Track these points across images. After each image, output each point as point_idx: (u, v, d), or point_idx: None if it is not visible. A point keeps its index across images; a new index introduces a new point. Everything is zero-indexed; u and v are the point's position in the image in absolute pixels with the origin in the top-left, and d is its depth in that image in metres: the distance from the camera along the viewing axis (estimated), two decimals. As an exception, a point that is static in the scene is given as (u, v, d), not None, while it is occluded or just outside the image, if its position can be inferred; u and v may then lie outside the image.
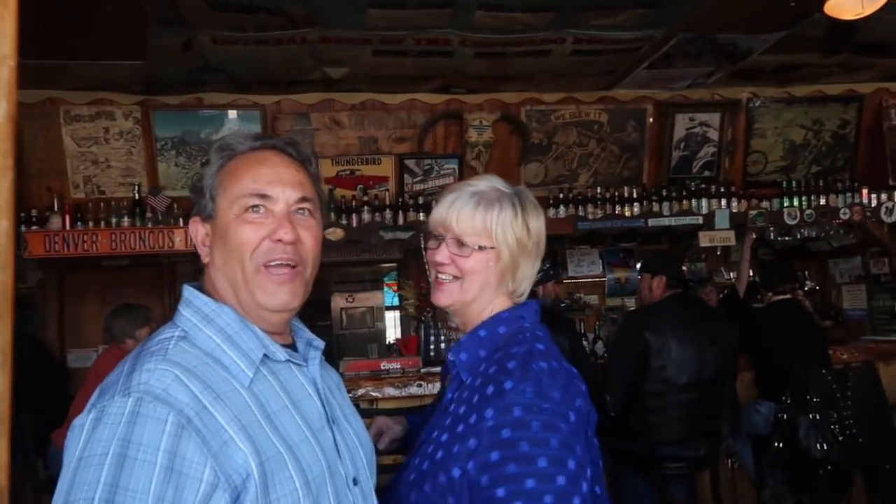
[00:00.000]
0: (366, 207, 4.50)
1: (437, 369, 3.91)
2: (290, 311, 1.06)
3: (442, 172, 4.75)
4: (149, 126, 4.31)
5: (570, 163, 4.92)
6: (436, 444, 1.17)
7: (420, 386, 3.68)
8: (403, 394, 3.65)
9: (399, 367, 4.01)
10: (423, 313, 5.80)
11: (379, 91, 4.49)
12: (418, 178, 4.74)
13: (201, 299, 1.03)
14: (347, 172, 4.64)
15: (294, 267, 1.03)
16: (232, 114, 4.34)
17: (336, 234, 4.42)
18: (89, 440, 0.84)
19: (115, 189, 4.39)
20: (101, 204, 4.33)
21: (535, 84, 4.54)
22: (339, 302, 8.97)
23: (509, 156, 4.80)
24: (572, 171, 4.93)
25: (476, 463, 1.08)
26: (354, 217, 4.47)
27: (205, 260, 1.06)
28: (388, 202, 4.57)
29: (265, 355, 1.01)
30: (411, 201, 4.60)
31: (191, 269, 5.67)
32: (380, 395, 3.65)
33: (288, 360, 1.05)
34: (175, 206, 4.35)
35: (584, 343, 4.89)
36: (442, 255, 1.28)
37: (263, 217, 1.02)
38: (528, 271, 1.35)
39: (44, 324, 5.16)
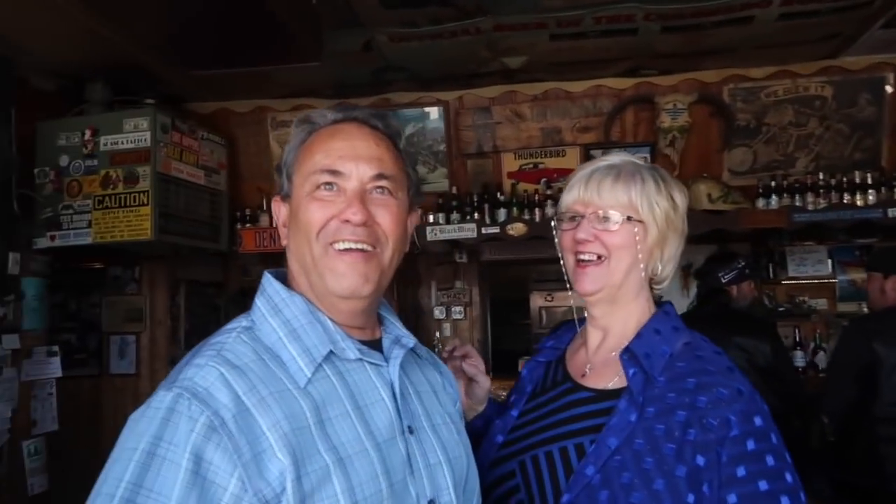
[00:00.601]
0: (549, 201, 4.31)
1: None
2: (363, 299, 0.95)
3: (632, 162, 4.41)
4: (342, 128, 4.54)
5: (785, 146, 4.29)
6: (630, 452, 1.04)
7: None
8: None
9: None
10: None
11: (561, 79, 4.28)
12: (605, 170, 4.45)
13: (274, 287, 0.96)
14: (530, 166, 4.50)
15: (366, 251, 0.93)
16: (412, 111, 4.42)
17: (518, 229, 4.30)
18: (130, 432, 0.81)
19: (314, 189, 4.69)
20: (302, 203, 4.66)
21: (738, 58, 4.02)
22: (537, 301, 8.87)
23: (709, 141, 4.31)
24: (787, 156, 4.29)
25: (717, 476, 0.99)
26: (537, 212, 4.31)
27: (283, 242, 1.01)
28: (571, 195, 4.35)
29: (332, 352, 0.92)
30: (597, 194, 4.33)
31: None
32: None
33: (361, 359, 0.94)
34: (365, 203, 4.54)
35: (800, 353, 4.26)
36: (584, 231, 1.18)
37: (335, 195, 0.94)
38: (675, 251, 1.26)
39: (263, 313, 5.73)
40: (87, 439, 4.71)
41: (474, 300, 5.87)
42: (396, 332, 1.05)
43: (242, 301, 5.37)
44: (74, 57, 3.77)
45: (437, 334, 5.48)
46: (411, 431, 0.95)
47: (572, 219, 1.23)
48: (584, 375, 1.23)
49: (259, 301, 0.96)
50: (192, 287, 5.20)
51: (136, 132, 3.73)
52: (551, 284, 8.51)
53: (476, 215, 4.31)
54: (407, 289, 5.91)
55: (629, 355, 1.16)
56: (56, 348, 3.98)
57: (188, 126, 3.99)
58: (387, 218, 0.96)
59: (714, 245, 4.35)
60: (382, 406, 0.93)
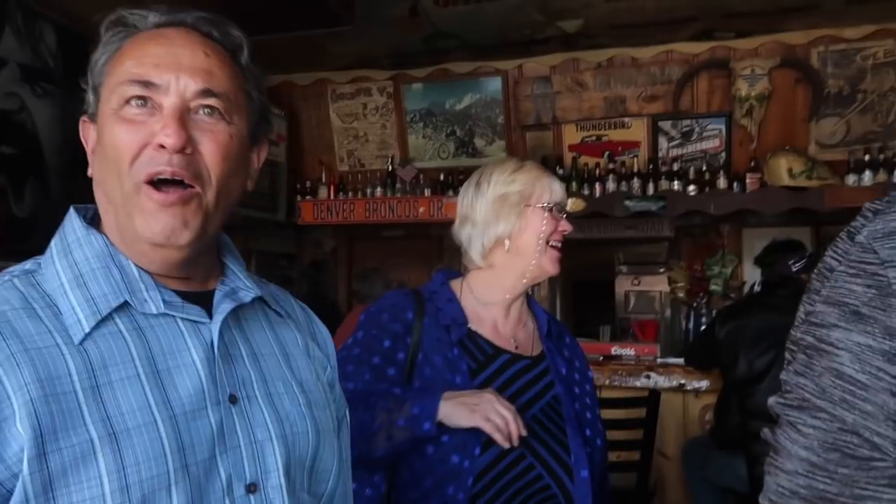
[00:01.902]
0: (611, 176, 4.07)
1: (677, 360, 3.37)
2: (181, 248, 0.77)
3: (704, 134, 4.08)
4: (399, 100, 4.48)
5: (885, 115, 3.81)
6: (572, 394, 1.38)
7: (648, 377, 3.19)
8: (627, 383, 3.21)
9: (633, 353, 3.55)
10: (696, 299, 5.14)
11: (626, 44, 4.00)
12: (675, 142, 4.14)
13: (73, 225, 0.79)
14: (593, 138, 4.26)
15: (186, 186, 0.74)
16: (470, 82, 4.28)
17: (577, 204, 4.08)
18: None
19: (373, 161, 4.68)
20: (360, 175, 4.66)
21: (827, 16, 3.59)
22: (623, 284, 8.52)
23: (794, 110, 3.91)
24: (886, 127, 3.81)
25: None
26: (598, 186, 4.08)
27: (90, 172, 0.81)
28: (636, 170, 4.07)
29: (128, 304, 0.75)
30: (664, 168, 4.04)
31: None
32: (601, 380, 3.26)
33: (169, 314, 0.77)
34: (421, 177, 4.48)
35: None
36: (568, 224, 1.39)
37: (147, 114, 0.74)
38: None
39: (335, 286, 5.82)
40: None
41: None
42: (236, 283, 0.85)
43: (314, 273, 5.48)
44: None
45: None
46: (233, 401, 0.78)
47: (560, 210, 1.38)
48: (516, 347, 1.38)
49: (53, 242, 0.79)
50: (265, 258, 5.35)
51: (194, 103, 3.83)
52: (638, 268, 8.13)
53: (533, 190, 4.14)
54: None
55: (546, 328, 1.43)
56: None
57: (246, 98, 4.06)
58: (212, 147, 0.76)
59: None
60: (191, 370, 0.76)
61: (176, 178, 0.74)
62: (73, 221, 0.79)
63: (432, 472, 1.22)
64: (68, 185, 3.78)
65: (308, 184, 4.67)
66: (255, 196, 4.17)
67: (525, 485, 1.24)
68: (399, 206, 4.43)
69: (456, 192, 4.30)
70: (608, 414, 2.97)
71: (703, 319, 4.69)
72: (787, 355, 0.74)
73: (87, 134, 0.81)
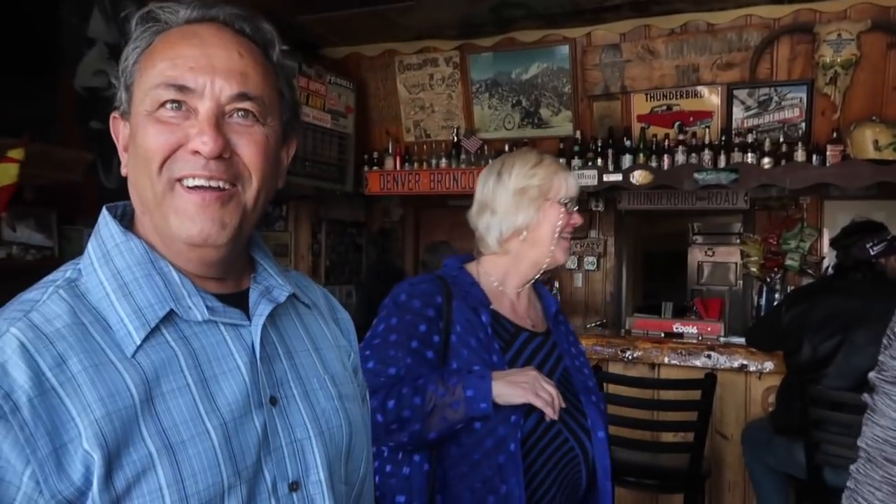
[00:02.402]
0: (680, 148, 3.95)
1: (740, 340, 3.29)
2: (219, 248, 0.77)
3: (783, 104, 3.88)
4: (465, 70, 4.47)
5: None
6: (575, 364, 1.53)
7: (709, 357, 3.14)
8: (686, 363, 3.17)
9: (696, 331, 3.49)
10: (769, 274, 4.97)
11: (703, 9, 3.83)
12: (752, 112, 3.96)
13: (110, 228, 0.78)
14: (663, 108, 4.13)
15: (222, 189, 0.74)
16: (536, 51, 4.21)
17: (644, 177, 4.00)
18: None
19: (438, 132, 4.71)
20: (425, 146, 4.70)
21: (927, -26, 3.32)
22: (696, 255, 8.30)
23: (883, 78, 3.65)
24: None
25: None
26: (666, 158, 3.97)
27: (123, 171, 0.80)
28: (708, 141, 3.93)
29: (173, 312, 0.75)
30: (738, 140, 3.88)
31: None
32: (660, 358, 3.24)
33: (211, 321, 0.77)
34: (485, 147, 4.47)
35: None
36: (578, 219, 1.47)
37: (181, 117, 0.74)
38: None
39: (402, 253, 5.95)
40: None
41: (609, 251, 5.61)
42: (268, 281, 0.85)
43: (382, 241, 5.62)
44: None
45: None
46: (273, 402, 0.80)
47: (574, 204, 1.45)
48: (532, 325, 1.49)
49: (91, 245, 0.78)
50: (334, 226, 5.52)
51: (266, 78, 3.96)
52: (713, 238, 7.88)
53: (599, 161, 4.07)
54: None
55: (554, 308, 1.57)
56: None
57: (315, 71, 4.15)
58: (251, 149, 0.76)
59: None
60: (236, 375, 0.77)
61: (213, 183, 0.74)
62: (109, 226, 0.78)
63: (480, 445, 1.30)
64: (151, 158, 4.02)
65: (375, 154, 4.75)
66: (324, 167, 4.29)
67: (556, 447, 1.37)
68: (463, 178, 4.46)
69: (521, 164, 4.30)
70: (665, 395, 2.98)
71: (777, 296, 4.53)
72: (884, 340, 0.94)
73: (118, 130, 0.80)
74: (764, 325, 3.07)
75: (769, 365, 3.05)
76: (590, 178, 4.03)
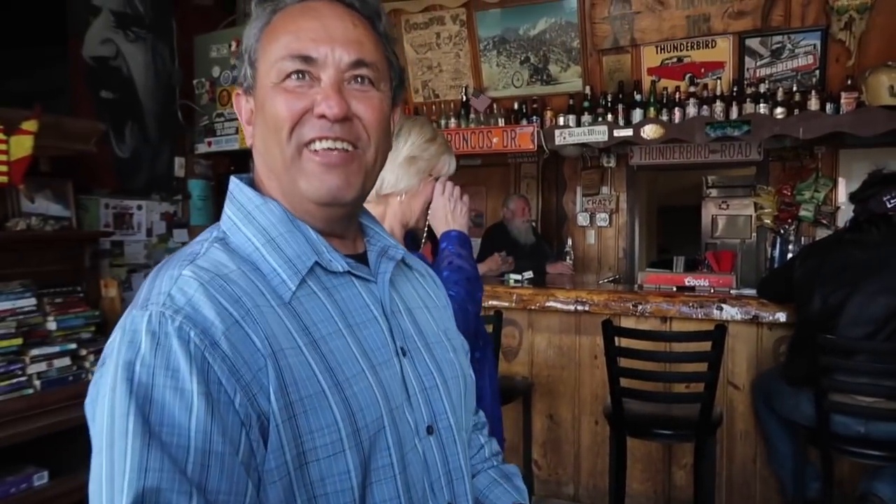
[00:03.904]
0: (691, 100, 3.90)
1: (752, 292, 3.31)
2: (345, 206, 0.83)
3: (797, 51, 3.81)
4: (472, 28, 4.42)
5: None
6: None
7: (720, 309, 3.17)
8: (698, 314, 3.20)
9: (707, 284, 3.51)
10: (783, 226, 4.95)
11: (714, -44, 3.75)
12: (764, 61, 3.89)
13: (246, 194, 0.83)
14: (674, 60, 4.07)
15: (346, 150, 0.80)
16: (544, 5, 4.14)
17: (655, 131, 3.96)
18: (118, 363, 0.67)
19: (447, 92, 4.68)
20: (434, 106, 4.68)
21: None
22: (710, 208, 8.26)
23: (900, 22, 3.57)
24: None
25: None
26: (677, 112, 3.93)
27: (248, 142, 0.86)
28: (719, 92, 3.88)
29: (317, 264, 0.81)
30: (750, 90, 3.82)
31: (534, 169, 5.84)
32: (672, 311, 3.26)
33: (349, 272, 0.83)
34: (494, 106, 4.45)
35: None
36: None
37: (306, 86, 0.79)
38: None
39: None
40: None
41: (622, 207, 5.60)
42: (383, 242, 0.93)
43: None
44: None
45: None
46: (404, 353, 0.86)
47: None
48: None
49: (229, 210, 0.83)
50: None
51: (272, 42, 3.94)
52: (728, 191, 7.83)
53: (609, 117, 4.04)
54: (551, 194, 5.78)
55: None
56: (219, 242, 4.52)
57: (321, 33, 4.12)
58: (369, 112, 0.82)
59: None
60: (375, 325, 0.83)
61: (338, 145, 0.80)
62: (244, 191, 0.83)
63: None
64: (163, 127, 4.04)
65: (385, 116, 4.74)
66: (334, 130, 4.30)
67: None
68: (473, 137, 4.44)
69: (530, 122, 4.27)
70: (676, 347, 3.01)
71: (791, 247, 4.52)
72: None
73: (241, 105, 0.86)
74: (776, 278, 3.08)
75: (781, 316, 3.07)
76: (600, 133, 4.00)
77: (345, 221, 0.87)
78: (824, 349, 2.47)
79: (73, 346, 2.76)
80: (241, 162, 5.40)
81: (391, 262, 0.89)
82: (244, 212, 0.82)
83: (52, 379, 2.64)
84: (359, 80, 0.81)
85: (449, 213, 1.58)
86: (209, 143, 4.21)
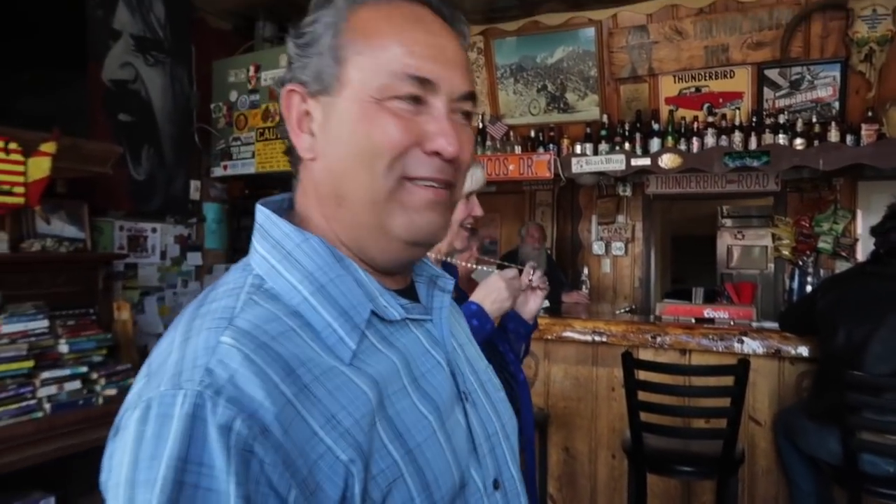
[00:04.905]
0: (710, 130, 3.88)
1: (774, 325, 3.24)
2: (431, 246, 0.73)
3: (816, 83, 3.78)
4: (490, 55, 4.43)
5: None
6: None
7: (741, 342, 3.10)
8: (718, 347, 3.13)
9: (727, 316, 3.44)
10: (802, 257, 4.88)
11: (732, -13, 3.75)
12: (783, 92, 3.87)
13: (281, 228, 0.69)
14: (692, 90, 4.05)
15: (447, 188, 0.70)
16: (562, 34, 4.15)
17: (673, 160, 3.94)
18: (135, 454, 0.56)
19: (463, 119, 4.68)
20: (451, 133, 4.67)
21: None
22: (726, 238, 8.20)
23: (922, 53, 3.55)
24: None
25: None
26: (695, 141, 3.90)
27: (306, 155, 0.70)
28: (738, 122, 3.86)
29: (373, 313, 0.68)
30: (769, 121, 3.79)
31: (549, 196, 5.82)
32: (691, 344, 3.20)
33: (405, 319, 0.72)
34: (511, 133, 4.44)
35: None
36: (479, 210, 1.54)
37: (414, 112, 0.67)
38: None
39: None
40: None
41: (637, 236, 5.54)
42: (428, 270, 0.81)
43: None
44: (242, -3, 4.08)
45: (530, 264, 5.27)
46: (466, 398, 0.74)
47: (474, 195, 1.51)
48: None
49: (261, 247, 0.69)
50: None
51: (290, 67, 3.96)
52: (743, 221, 7.78)
53: (627, 146, 4.02)
54: (566, 222, 5.75)
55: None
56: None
57: (339, 59, 4.14)
58: (467, 149, 0.71)
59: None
60: (439, 372, 0.72)
61: (445, 184, 0.70)
62: (279, 225, 0.69)
63: None
64: (179, 150, 4.05)
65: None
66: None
67: None
68: (489, 165, 4.43)
69: (546, 150, 4.25)
70: (696, 381, 2.95)
71: (810, 279, 4.45)
72: None
73: (294, 106, 0.70)
74: (797, 310, 3.02)
75: (804, 350, 3.00)
76: (618, 162, 3.98)
77: (414, 262, 0.77)
78: (852, 386, 2.40)
79: (85, 369, 2.73)
80: (255, 185, 5.41)
81: (445, 295, 0.78)
82: (282, 252, 0.68)
83: (62, 402, 2.60)
84: (463, 114, 0.70)
85: (498, 300, 1.51)
86: (225, 167, 4.21)
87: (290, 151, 0.72)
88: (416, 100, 0.66)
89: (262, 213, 0.70)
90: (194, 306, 0.66)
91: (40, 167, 2.66)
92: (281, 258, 0.67)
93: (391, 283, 0.73)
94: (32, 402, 2.52)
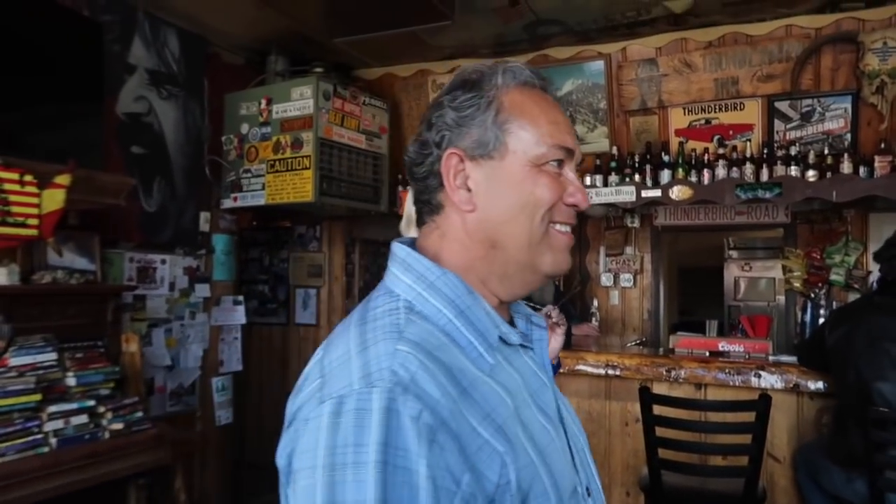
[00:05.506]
0: (720, 162, 3.87)
1: (791, 359, 3.19)
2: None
3: (828, 115, 3.78)
4: (499, 88, 4.45)
5: None
6: None
7: (759, 376, 3.05)
8: (735, 382, 3.08)
9: (742, 349, 3.39)
10: (814, 290, 4.83)
11: (740, 21, 3.77)
12: (794, 124, 3.87)
13: (423, 263, 0.83)
14: (702, 122, 4.06)
15: (573, 232, 0.89)
16: (571, 67, 4.17)
17: (684, 192, 3.92)
18: (335, 443, 0.65)
19: (472, 151, 4.69)
20: (459, 165, 4.68)
21: (975, -21, 3.22)
22: (733, 270, 8.15)
23: (933, 86, 3.54)
24: None
25: None
26: (706, 173, 3.89)
27: (465, 207, 0.84)
28: (749, 154, 3.85)
29: (499, 337, 0.83)
30: (780, 153, 3.79)
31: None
32: (707, 378, 3.15)
33: (520, 344, 0.87)
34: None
35: None
36: None
37: (559, 174, 0.85)
38: None
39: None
40: (275, 381, 5.29)
41: (646, 267, 5.51)
42: (523, 309, 0.96)
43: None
44: (255, 32, 4.13)
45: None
46: (561, 416, 0.89)
47: None
48: None
49: (406, 277, 0.83)
50: (368, 246, 5.52)
51: (301, 100, 3.99)
52: (749, 253, 7.74)
53: (637, 177, 4.01)
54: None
55: None
56: (241, 298, 4.48)
57: (350, 92, 4.17)
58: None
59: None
60: (547, 392, 0.87)
61: (573, 228, 0.89)
62: (421, 260, 0.83)
63: None
64: (190, 182, 4.07)
65: (409, 173, 4.75)
66: (359, 187, 4.30)
67: None
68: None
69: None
70: (714, 417, 2.89)
71: (822, 311, 4.40)
72: None
73: (454, 167, 0.84)
74: (811, 346, 2.97)
75: (822, 385, 2.95)
76: (628, 194, 3.97)
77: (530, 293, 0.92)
78: (875, 423, 2.34)
79: (92, 402, 2.69)
80: (264, 217, 5.42)
81: (542, 330, 0.93)
82: (427, 281, 0.82)
83: (68, 437, 2.56)
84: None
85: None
86: (235, 199, 4.22)
87: (426, 202, 0.87)
88: (560, 163, 0.85)
89: (404, 250, 0.85)
90: (356, 323, 0.79)
91: (55, 199, 2.66)
92: (425, 287, 0.81)
93: (505, 317, 0.89)
94: (39, 436, 2.48)
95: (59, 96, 3.09)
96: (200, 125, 4.16)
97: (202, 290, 4.16)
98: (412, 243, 0.88)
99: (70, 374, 2.71)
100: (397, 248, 0.85)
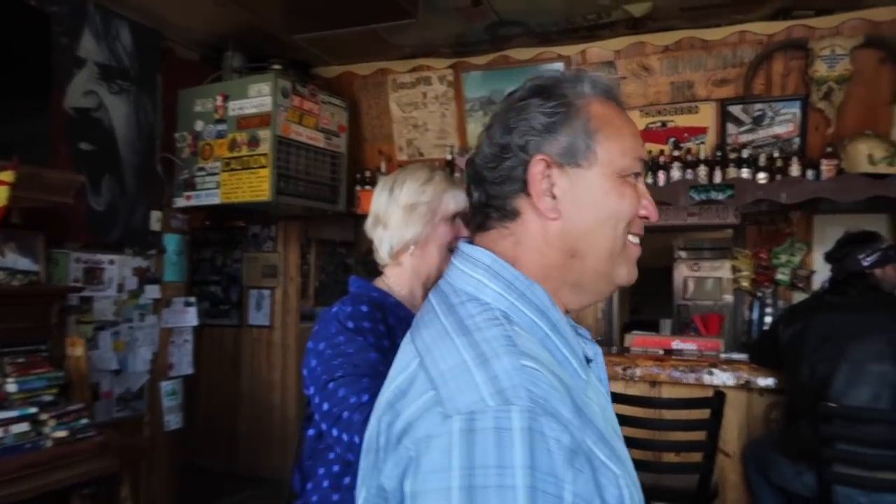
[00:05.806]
0: (675, 164, 3.94)
1: (742, 356, 3.26)
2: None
3: (777, 119, 3.88)
4: (459, 88, 4.45)
5: (979, 97, 3.54)
6: None
7: (711, 374, 3.11)
8: (688, 380, 3.13)
9: (695, 348, 3.46)
10: (761, 289, 4.96)
11: (697, 26, 3.84)
12: (745, 128, 3.96)
13: (510, 271, 0.80)
14: (658, 124, 4.12)
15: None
16: (531, 69, 4.19)
17: (640, 194, 3.97)
18: (472, 464, 0.61)
19: (432, 150, 4.67)
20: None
21: (917, -9, 3.35)
22: (682, 270, 8.32)
23: (877, 93, 3.67)
24: (981, 109, 3.54)
25: None
26: (661, 175, 3.95)
27: (550, 215, 0.82)
28: (702, 157, 3.93)
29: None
30: (732, 155, 3.87)
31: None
32: (662, 376, 3.19)
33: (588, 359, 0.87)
34: (480, 165, 4.44)
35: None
36: (465, 230, 1.47)
37: (635, 184, 0.86)
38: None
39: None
40: (227, 383, 5.18)
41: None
42: (572, 322, 0.92)
43: (372, 261, 5.56)
44: (212, 27, 4.03)
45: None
46: (616, 431, 0.88)
47: (460, 217, 1.49)
48: None
49: (493, 284, 0.79)
50: (324, 246, 5.46)
51: (259, 97, 3.91)
52: (698, 254, 7.92)
53: (594, 178, 4.04)
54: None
55: None
56: (193, 299, 4.36)
57: (308, 90, 4.11)
58: None
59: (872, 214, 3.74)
60: (609, 405, 0.87)
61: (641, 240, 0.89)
62: (508, 268, 0.81)
63: None
64: (141, 180, 3.95)
65: (367, 173, 4.71)
66: (317, 186, 4.24)
67: None
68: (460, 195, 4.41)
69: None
70: (669, 414, 2.93)
71: (769, 310, 4.52)
72: None
73: (541, 173, 0.82)
74: (763, 343, 3.04)
75: (772, 381, 3.02)
76: (586, 195, 4.00)
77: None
78: (824, 417, 2.41)
79: (34, 409, 2.58)
80: (217, 216, 5.30)
81: (595, 346, 0.91)
82: (517, 292, 0.79)
83: (7, 446, 2.45)
84: None
85: None
86: (188, 197, 4.11)
87: (498, 207, 0.84)
88: (636, 175, 0.85)
89: (489, 256, 0.82)
90: (457, 331, 0.73)
91: (-5, 196, 2.55)
92: (517, 297, 0.78)
93: None
94: (-23, 445, 2.36)
95: (3, 90, 2.96)
96: (153, 121, 4.04)
97: (152, 292, 4.04)
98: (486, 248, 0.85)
99: (10, 379, 2.59)
100: (479, 253, 0.82)
